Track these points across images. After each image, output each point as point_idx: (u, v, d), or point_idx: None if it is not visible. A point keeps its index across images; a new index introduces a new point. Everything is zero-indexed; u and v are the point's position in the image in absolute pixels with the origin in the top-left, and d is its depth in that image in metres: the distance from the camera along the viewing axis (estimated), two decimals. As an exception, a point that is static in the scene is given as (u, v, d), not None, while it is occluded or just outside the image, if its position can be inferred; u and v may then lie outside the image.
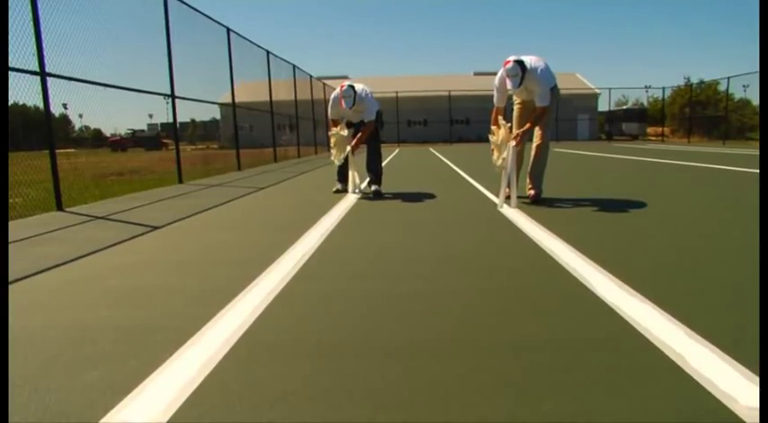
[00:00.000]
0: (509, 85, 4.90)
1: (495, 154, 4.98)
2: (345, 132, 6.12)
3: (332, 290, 2.42)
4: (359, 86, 6.02)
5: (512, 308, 2.11)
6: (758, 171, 8.18)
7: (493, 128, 5.04)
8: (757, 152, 14.78)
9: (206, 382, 1.53)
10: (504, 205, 4.67)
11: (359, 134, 6.15)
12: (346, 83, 6.02)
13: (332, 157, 6.33)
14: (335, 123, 6.30)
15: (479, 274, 2.64)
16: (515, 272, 2.67)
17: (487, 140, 5.04)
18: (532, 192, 5.14)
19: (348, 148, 6.13)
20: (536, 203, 4.98)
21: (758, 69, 18.33)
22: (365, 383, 1.49)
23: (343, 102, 5.90)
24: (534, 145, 5.23)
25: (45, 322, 2.08)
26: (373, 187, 6.19)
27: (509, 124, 5.02)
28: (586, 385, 1.44)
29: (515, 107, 5.38)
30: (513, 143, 4.81)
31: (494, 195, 5.67)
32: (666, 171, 8.83)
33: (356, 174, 6.22)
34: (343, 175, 6.44)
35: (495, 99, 5.24)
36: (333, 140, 6.22)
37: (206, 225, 4.45)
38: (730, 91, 28.36)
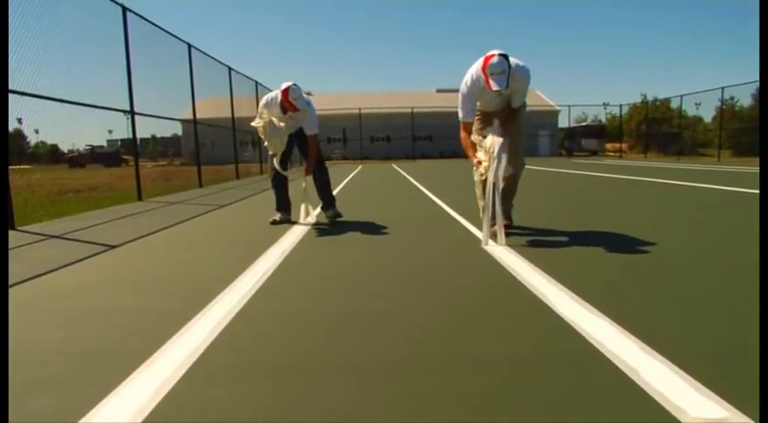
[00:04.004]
0: (494, 86, 3.65)
1: (485, 162, 3.82)
2: (283, 124, 5.03)
3: (292, 309, 2.40)
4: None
5: (472, 324, 2.12)
6: (716, 187, 8.47)
7: (477, 139, 3.95)
8: (708, 167, 15.31)
9: (161, 405, 1.49)
10: (490, 242, 3.79)
11: (308, 156, 5.21)
12: (289, 82, 4.90)
13: (269, 151, 5.20)
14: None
15: (440, 291, 2.66)
16: (476, 289, 2.69)
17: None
18: (505, 222, 4.03)
19: (285, 139, 5.07)
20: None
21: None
22: (324, 404, 1.48)
23: (295, 103, 4.87)
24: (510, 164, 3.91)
25: (-7, 346, 2.00)
26: (329, 211, 5.37)
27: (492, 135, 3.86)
28: (543, 400, 1.46)
29: (475, 120, 4.19)
30: (499, 163, 3.74)
31: (453, 211, 5.72)
32: (626, 187, 9.06)
33: (307, 199, 5.26)
34: (283, 202, 5.30)
35: (462, 112, 3.99)
36: (261, 131, 5.07)
37: (164, 244, 4.37)
38: (683, 108, 29.46)
